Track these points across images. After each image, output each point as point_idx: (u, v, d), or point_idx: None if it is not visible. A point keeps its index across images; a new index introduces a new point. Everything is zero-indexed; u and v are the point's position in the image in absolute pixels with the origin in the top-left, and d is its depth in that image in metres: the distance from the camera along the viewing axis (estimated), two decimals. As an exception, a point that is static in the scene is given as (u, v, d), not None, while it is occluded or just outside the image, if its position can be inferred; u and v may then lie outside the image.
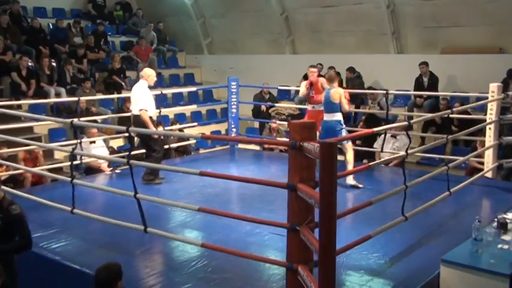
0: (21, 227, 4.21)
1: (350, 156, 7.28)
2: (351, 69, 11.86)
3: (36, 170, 7.70)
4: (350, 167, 7.15)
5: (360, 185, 7.17)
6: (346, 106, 7.27)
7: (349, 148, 7.34)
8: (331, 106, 7.18)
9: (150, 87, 7.59)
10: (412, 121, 5.70)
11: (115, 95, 11.78)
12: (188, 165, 8.66)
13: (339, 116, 7.19)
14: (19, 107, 10.30)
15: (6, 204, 4.19)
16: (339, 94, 7.17)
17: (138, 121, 7.25)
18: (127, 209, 5.50)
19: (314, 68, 8.38)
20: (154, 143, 7.36)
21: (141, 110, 7.19)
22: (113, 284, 3.57)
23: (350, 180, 7.18)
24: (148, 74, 7.48)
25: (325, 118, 7.24)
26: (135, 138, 9.35)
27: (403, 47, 12.26)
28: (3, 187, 4.42)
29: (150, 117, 7.28)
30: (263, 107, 12.09)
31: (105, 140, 9.69)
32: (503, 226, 5.00)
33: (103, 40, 14.01)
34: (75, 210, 5.52)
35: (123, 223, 5.13)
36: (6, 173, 7.86)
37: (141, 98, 7.27)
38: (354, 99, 11.66)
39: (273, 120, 11.06)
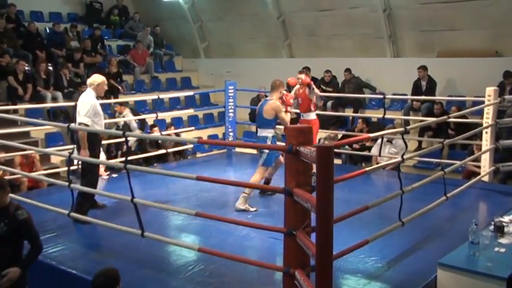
0: (30, 233, 4.26)
1: (254, 178, 6.60)
2: (348, 70, 11.90)
3: (33, 174, 7.68)
4: (246, 190, 6.43)
5: (252, 209, 6.43)
6: (286, 119, 6.65)
7: (260, 171, 6.63)
8: (262, 121, 6.65)
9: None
10: (408, 127, 5.71)
11: (112, 100, 11.76)
12: (185, 169, 8.66)
13: (268, 132, 6.61)
14: (15, 111, 10.28)
15: (12, 210, 4.20)
16: (274, 111, 6.55)
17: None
18: (124, 213, 5.50)
19: (300, 73, 7.86)
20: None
21: (80, 123, 6.10)
22: None
23: (240, 204, 6.43)
24: (98, 82, 6.33)
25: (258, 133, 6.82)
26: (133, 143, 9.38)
27: (400, 51, 12.28)
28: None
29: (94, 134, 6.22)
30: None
31: (102, 145, 9.67)
32: (499, 229, 5.01)
33: (100, 44, 14.01)
34: (71, 214, 5.51)
35: (120, 227, 5.12)
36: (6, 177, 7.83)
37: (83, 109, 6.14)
38: (352, 102, 11.74)
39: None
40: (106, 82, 6.49)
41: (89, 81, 6.39)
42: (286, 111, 6.76)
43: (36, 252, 4.33)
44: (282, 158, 6.63)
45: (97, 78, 6.34)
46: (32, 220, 4.28)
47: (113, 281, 3.59)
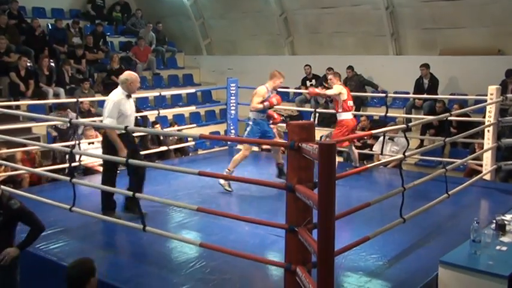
0: (29, 217, 4.43)
1: (237, 156, 7.23)
2: (350, 68, 11.90)
3: (34, 170, 7.68)
4: (230, 165, 7.12)
5: (228, 188, 7.03)
6: (253, 104, 7.16)
7: (243, 150, 7.29)
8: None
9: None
10: (410, 124, 5.71)
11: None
12: (186, 165, 8.64)
13: (251, 114, 7.23)
14: (18, 107, 10.28)
15: (5, 200, 4.33)
16: (256, 92, 7.13)
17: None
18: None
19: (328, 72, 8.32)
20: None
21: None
22: (86, 281, 3.41)
23: (221, 180, 7.00)
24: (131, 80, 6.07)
25: None
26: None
27: (402, 48, 12.27)
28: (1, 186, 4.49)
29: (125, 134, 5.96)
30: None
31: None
32: (501, 228, 5.00)
33: (102, 40, 14.00)
34: (73, 209, 5.51)
35: (122, 221, 5.12)
36: (4, 174, 7.84)
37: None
38: (354, 100, 11.70)
39: (271, 122, 11.04)
40: (139, 80, 6.24)
41: (120, 78, 6.11)
42: (263, 102, 7.10)
43: (35, 233, 4.46)
44: (275, 131, 7.33)
45: (129, 76, 6.04)
46: (25, 207, 4.44)
47: (88, 272, 3.44)
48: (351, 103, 7.85)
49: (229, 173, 6.97)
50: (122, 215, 5.86)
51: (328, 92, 7.92)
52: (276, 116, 7.45)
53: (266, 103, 7.10)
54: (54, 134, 9.74)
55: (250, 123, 7.27)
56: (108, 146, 5.92)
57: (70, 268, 3.46)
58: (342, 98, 7.69)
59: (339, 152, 9.38)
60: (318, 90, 8.22)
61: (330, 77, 8.16)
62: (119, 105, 5.85)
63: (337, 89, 7.74)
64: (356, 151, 8.21)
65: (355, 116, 8.18)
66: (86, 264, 3.49)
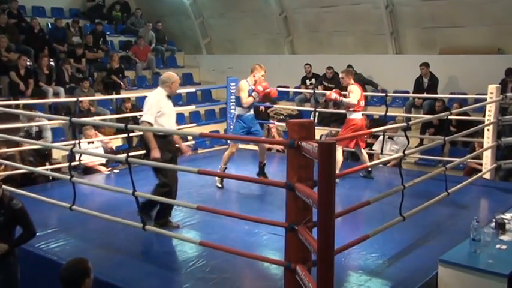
0: (26, 220, 4.48)
1: (225, 153, 7.38)
2: (350, 67, 11.87)
3: (34, 169, 7.67)
4: (222, 164, 7.29)
5: (219, 184, 7.19)
6: (243, 100, 7.13)
7: (230, 146, 7.45)
8: (236, 98, 7.43)
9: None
10: (410, 122, 5.70)
11: (113, 96, 11.78)
12: (186, 164, 8.61)
13: (237, 110, 7.30)
14: (17, 106, 10.27)
15: (7, 200, 4.38)
16: (239, 88, 7.20)
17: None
18: (125, 209, 5.50)
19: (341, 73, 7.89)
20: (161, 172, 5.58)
21: (143, 121, 5.73)
22: (80, 282, 3.31)
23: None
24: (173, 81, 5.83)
25: None
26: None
27: (402, 47, 12.27)
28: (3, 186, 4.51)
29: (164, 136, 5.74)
30: (262, 108, 12.08)
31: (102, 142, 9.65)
32: (501, 226, 5.01)
33: (101, 40, 14.00)
34: (73, 207, 5.51)
35: (122, 220, 5.11)
36: (4, 173, 7.83)
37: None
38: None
39: (271, 121, 11.06)
40: (179, 81, 5.99)
41: (161, 79, 5.87)
42: (250, 95, 7.11)
43: (27, 236, 4.54)
44: (274, 130, 7.66)
45: (172, 77, 5.82)
46: (25, 208, 4.48)
47: (81, 273, 3.33)
48: (362, 102, 7.59)
49: (222, 170, 7.19)
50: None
51: (346, 100, 7.50)
52: (262, 87, 7.14)
53: (254, 93, 7.09)
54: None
55: (234, 120, 7.40)
56: (147, 148, 5.66)
57: (63, 270, 3.36)
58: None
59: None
60: (336, 95, 7.62)
61: (341, 75, 7.82)
62: (159, 104, 5.64)
63: (355, 95, 7.40)
64: (366, 155, 7.76)
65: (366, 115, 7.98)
66: (79, 265, 3.39)
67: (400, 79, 11.37)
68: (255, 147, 10.24)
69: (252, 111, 7.34)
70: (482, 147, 7.70)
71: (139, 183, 5.05)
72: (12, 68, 11.08)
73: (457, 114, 8.05)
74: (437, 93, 10.50)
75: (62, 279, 3.33)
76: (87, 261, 3.43)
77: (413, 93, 10.74)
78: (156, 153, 5.47)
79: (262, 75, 7.22)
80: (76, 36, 13.69)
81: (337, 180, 6.85)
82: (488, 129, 7.54)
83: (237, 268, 4.68)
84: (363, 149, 7.73)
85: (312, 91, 11.61)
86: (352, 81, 7.66)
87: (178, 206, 6.02)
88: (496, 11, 10.59)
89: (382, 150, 8.42)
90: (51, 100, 10.77)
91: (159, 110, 5.62)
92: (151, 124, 5.57)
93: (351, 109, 7.53)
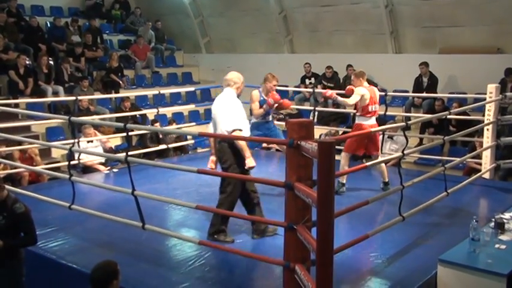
0: (27, 225, 4.37)
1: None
2: (351, 66, 11.88)
3: (34, 168, 7.68)
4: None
5: None
6: (254, 111, 6.76)
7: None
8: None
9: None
10: (409, 122, 5.69)
11: (113, 95, 11.78)
12: (186, 164, 8.63)
13: (252, 118, 6.73)
14: (16, 105, 10.28)
15: (10, 203, 4.29)
16: (251, 98, 6.77)
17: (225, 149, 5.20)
18: (125, 208, 5.49)
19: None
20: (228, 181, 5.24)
21: (234, 130, 5.08)
22: (109, 283, 3.46)
23: None
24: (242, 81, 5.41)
25: None
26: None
27: (401, 47, 12.26)
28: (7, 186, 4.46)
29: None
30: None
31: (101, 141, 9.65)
32: (500, 226, 5.01)
33: (99, 38, 13.97)
34: (73, 206, 5.50)
35: (121, 219, 5.11)
36: (3, 172, 7.83)
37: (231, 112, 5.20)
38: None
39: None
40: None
41: (232, 79, 5.34)
42: (261, 106, 6.75)
43: (27, 241, 4.45)
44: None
45: (241, 76, 5.39)
46: (29, 214, 4.37)
47: (111, 274, 3.49)
48: (373, 107, 6.88)
49: None
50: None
51: (341, 99, 7.10)
52: (274, 100, 6.77)
53: (265, 106, 6.83)
54: None
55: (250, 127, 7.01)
56: (232, 155, 5.17)
57: (94, 271, 3.51)
58: (362, 104, 6.84)
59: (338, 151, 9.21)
60: (332, 92, 7.19)
61: (352, 77, 7.36)
62: (241, 106, 5.21)
63: (355, 97, 6.84)
64: (383, 167, 7.08)
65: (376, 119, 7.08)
66: (109, 267, 3.53)
67: (400, 78, 11.36)
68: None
69: (268, 118, 6.94)
70: (482, 146, 7.70)
71: (139, 182, 5.05)
72: (11, 67, 11.07)
73: (457, 114, 8.05)
74: (436, 93, 10.49)
75: (93, 279, 3.46)
76: (116, 264, 3.57)
77: (412, 92, 10.74)
78: (252, 162, 5.08)
79: (274, 85, 6.85)
80: (75, 35, 13.66)
81: (343, 189, 6.82)
82: (487, 129, 7.54)
83: (235, 267, 4.68)
84: (375, 157, 7.04)
85: (311, 90, 11.61)
86: (363, 84, 7.04)
87: (177, 205, 6.02)
88: (495, 10, 10.58)
89: (381, 150, 8.41)
90: (50, 99, 10.76)
91: (243, 115, 5.16)
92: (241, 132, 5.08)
93: (358, 113, 7.02)
